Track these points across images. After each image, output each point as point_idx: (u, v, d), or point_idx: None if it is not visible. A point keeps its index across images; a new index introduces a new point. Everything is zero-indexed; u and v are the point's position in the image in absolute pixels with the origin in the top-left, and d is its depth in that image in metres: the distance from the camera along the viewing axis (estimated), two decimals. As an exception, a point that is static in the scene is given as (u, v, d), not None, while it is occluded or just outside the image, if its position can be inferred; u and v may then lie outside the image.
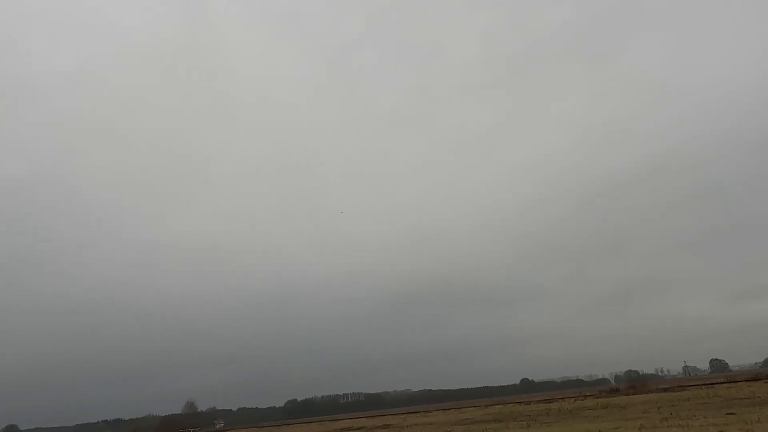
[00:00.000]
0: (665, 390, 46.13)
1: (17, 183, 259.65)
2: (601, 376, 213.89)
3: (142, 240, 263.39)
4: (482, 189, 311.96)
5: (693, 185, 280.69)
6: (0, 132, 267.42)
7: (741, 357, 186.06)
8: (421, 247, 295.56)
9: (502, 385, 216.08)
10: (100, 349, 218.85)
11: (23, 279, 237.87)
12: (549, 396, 76.15)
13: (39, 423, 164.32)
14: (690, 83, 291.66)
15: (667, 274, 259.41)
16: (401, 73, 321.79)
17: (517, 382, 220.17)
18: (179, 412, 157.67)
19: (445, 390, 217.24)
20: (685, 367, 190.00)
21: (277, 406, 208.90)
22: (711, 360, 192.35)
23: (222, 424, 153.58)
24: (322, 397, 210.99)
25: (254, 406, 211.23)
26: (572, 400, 48.47)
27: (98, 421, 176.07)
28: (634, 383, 64.15)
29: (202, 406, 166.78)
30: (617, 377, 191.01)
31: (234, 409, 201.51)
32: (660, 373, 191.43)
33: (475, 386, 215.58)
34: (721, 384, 44.62)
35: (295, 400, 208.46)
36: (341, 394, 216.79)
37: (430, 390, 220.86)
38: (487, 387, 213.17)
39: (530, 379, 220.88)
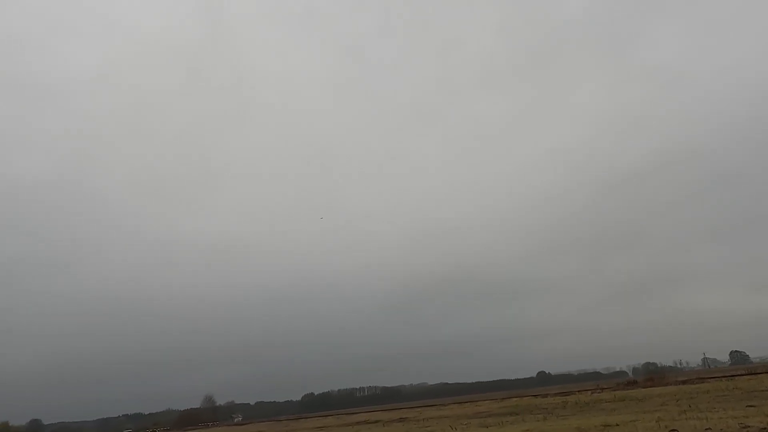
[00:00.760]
0: (684, 382, 45.66)
1: (41, 185, 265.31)
2: (618, 369, 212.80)
3: (161, 239, 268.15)
4: (499, 182, 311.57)
5: (711, 175, 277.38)
6: (24, 134, 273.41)
7: (762, 349, 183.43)
8: (438, 242, 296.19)
9: (519, 378, 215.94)
10: (121, 346, 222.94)
11: (47, 279, 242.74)
12: (566, 389, 75.80)
13: (62, 417, 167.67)
14: (707, 72, 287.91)
15: (685, 265, 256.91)
16: (418, 67, 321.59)
17: (534, 375, 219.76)
18: (198, 406, 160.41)
19: (461, 383, 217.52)
20: (705, 359, 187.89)
21: (294, 400, 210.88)
22: (731, 352, 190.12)
23: (240, 418, 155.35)
24: (339, 390, 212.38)
25: (272, 400, 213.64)
26: (589, 392, 48.20)
27: (119, 416, 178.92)
28: (653, 375, 63.62)
29: (220, 401, 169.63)
30: (635, 370, 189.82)
31: (252, 403, 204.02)
32: (678, 366, 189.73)
33: (491, 379, 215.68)
34: (741, 376, 44.04)
35: (312, 394, 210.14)
36: (358, 387, 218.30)
37: (446, 383, 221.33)
38: (503, 380, 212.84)
39: (547, 372, 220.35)
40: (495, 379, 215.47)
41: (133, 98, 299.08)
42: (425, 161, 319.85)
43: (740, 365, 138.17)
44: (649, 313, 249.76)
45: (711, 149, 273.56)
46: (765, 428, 13.61)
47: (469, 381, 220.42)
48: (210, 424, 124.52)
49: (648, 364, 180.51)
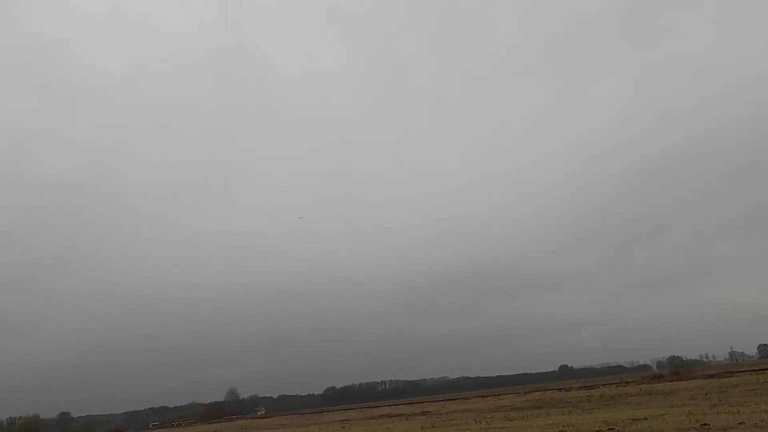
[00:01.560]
0: (712, 376, 44.91)
1: (75, 181, 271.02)
2: (642, 363, 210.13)
3: (187, 233, 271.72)
4: (522, 176, 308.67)
5: (738, 167, 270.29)
6: (58, 132, 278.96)
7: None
8: (461, 236, 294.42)
9: (540, 371, 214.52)
10: (147, 341, 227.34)
11: (78, 272, 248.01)
12: (589, 382, 75.07)
13: (90, 411, 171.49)
14: (735, 62, 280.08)
15: (711, 257, 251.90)
16: (441, 62, 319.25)
17: (556, 368, 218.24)
18: (222, 399, 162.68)
19: (482, 377, 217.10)
20: (732, 353, 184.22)
21: (317, 394, 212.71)
22: (759, 345, 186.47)
23: (263, 411, 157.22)
24: (360, 384, 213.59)
25: (294, 394, 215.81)
26: (614, 386, 47.69)
27: (145, 409, 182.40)
28: (679, 369, 62.64)
29: (243, 394, 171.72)
30: (659, 363, 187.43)
31: (275, 396, 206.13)
32: (705, 359, 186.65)
33: (512, 373, 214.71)
34: (771, 369, 43.16)
35: (333, 388, 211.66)
36: (379, 381, 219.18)
37: (467, 377, 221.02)
38: (524, 374, 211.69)
39: (569, 365, 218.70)
40: (516, 373, 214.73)
41: (159, 98, 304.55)
42: (447, 156, 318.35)
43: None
44: (674, 306, 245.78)
45: (738, 141, 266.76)
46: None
47: (491, 375, 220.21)
48: (234, 417, 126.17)
49: (673, 357, 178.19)
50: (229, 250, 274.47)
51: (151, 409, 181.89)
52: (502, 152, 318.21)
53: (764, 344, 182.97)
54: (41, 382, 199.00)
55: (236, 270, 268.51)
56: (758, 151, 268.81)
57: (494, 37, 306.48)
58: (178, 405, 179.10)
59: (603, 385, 54.37)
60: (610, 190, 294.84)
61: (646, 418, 18.35)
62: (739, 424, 14.30)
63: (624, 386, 45.23)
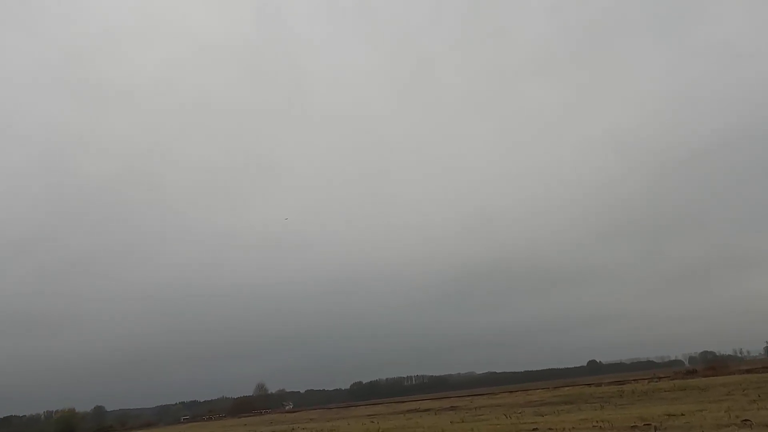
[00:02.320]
0: (749, 371, 43.77)
1: (111, 180, 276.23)
2: (673, 358, 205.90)
3: (219, 230, 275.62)
4: (551, 168, 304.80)
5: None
6: (96, 133, 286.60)
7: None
8: (489, 230, 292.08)
9: (569, 367, 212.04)
10: (179, 336, 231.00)
11: (113, 271, 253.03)
12: (620, 377, 73.89)
13: (123, 405, 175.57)
14: None
15: (746, 249, 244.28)
16: (470, 56, 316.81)
17: (584, 364, 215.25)
18: (251, 394, 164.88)
19: (509, 372, 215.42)
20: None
21: (343, 388, 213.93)
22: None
23: (291, 406, 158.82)
24: (387, 379, 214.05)
25: (321, 388, 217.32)
26: (646, 381, 46.85)
27: (176, 403, 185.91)
28: (713, 364, 61.22)
29: (272, 389, 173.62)
30: (692, 358, 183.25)
31: (302, 391, 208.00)
32: (739, 354, 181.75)
33: (540, 368, 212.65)
34: (811, 364, 41.83)
35: (360, 383, 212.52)
36: (405, 376, 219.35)
37: (494, 372, 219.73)
38: (552, 369, 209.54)
39: (598, 360, 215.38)
40: (544, 368, 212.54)
41: (194, 98, 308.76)
42: (475, 150, 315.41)
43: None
44: (706, 299, 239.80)
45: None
46: None
47: (518, 370, 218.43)
48: (262, 411, 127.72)
49: (706, 352, 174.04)
50: (261, 247, 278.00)
51: (182, 403, 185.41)
52: (530, 145, 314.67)
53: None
54: (77, 378, 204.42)
55: (267, 266, 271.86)
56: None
57: (522, 29, 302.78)
58: (208, 399, 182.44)
59: (634, 380, 53.47)
60: (640, 181, 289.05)
61: (682, 414, 17.93)
62: (783, 420, 13.87)
63: (656, 381, 44.38)
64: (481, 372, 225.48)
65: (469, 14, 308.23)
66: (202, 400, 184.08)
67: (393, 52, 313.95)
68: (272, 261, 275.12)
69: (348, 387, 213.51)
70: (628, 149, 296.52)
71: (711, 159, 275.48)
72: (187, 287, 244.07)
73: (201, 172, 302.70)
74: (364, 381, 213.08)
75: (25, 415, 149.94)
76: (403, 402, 76.30)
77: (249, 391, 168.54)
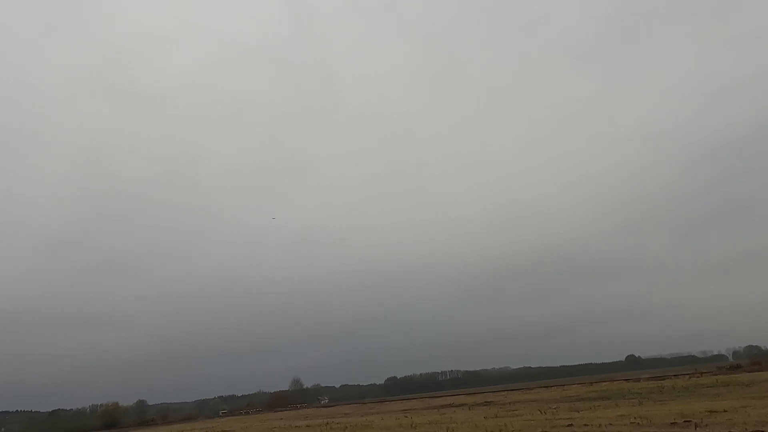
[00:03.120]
0: (796, 366, 42.13)
1: (148, 182, 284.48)
2: (716, 352, 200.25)
3: (254, 227, 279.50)
4: (586, 159, 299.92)
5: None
6: (132, 136, 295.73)
7: None
8: (521, 223, 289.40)
9: (606, 361, 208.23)
10: (217, 331, 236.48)
11: (153, 270, 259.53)
12: (659, 373, 72.18)
13: (164, 399, 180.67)
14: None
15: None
16: (500, 49, 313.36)
17: (622, 358, 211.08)
18: (287, 389, 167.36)
19: (545, 367, 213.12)
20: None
21: (378, 383, 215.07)
22: None
23: (326, 400, 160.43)
24: (421, 374, 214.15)
25: (356, 383, 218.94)
26: (686, 377, 45.62)
27: (215, 397, 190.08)
28: (759, 359, 59.19)
29: (307, 383, 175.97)
30: (736, 353, 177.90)
31: (337, 386, 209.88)
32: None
33: (577, 363, 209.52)
34: None
35: (394, 378, 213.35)
36: (439, 371, 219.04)
37: (529, 367, 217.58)
38: (589, 364, 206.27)
39: (636, 355, 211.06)
40: (581, 363, 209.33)
41: (226, 101, 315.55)
42: (508, 143, 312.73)
43: None
44: (750, 292, 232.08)
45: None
46: None
47: (554, 365, 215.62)
48: (298, 405, 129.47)
49: (750, 347, 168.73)
50: (295, 244, 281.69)
51: (220, 397, 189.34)
52: (561, 137, 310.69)
53: None
54: (120, 373, 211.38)
55: (301, 263, 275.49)
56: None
57: (551, 21, 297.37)
58: (245, 394, 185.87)
59: (675, 375, 52.16)
60: (679, 170, 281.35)
61: (725, 410, 17.39)
62: (833, 417, 13.30)
63: (698, 377, 43.16)
64: (515, 367, 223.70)
65: (496, 8, 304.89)
66: (239, 395, 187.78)
67: (421, 48, 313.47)
68: (306, 257, 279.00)
69: (382, 382, 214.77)
70: (666, 138, 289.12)
71: (752, 147, 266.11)
72: (223, 284, 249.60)
73: (235, 172, 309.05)
74: (398, 376, 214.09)
75: (72, 409, 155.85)
76: (437, 397, 76.22)
77: (285, 385, 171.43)
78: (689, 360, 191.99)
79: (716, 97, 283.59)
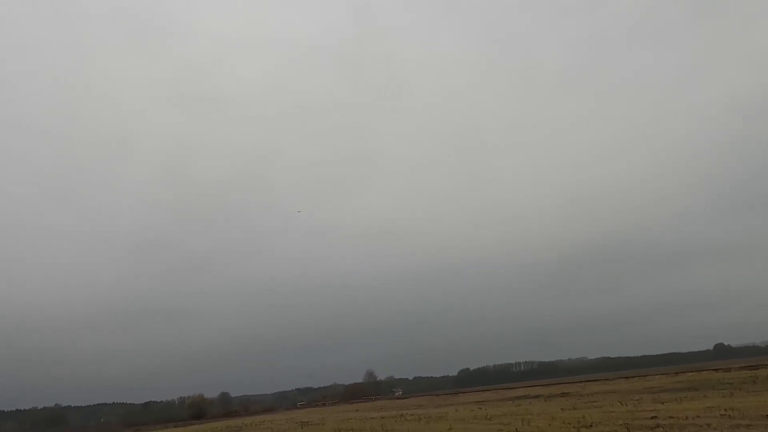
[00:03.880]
0: None
1: (224, 184, 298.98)
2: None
3: (325, 223, 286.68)
4: (662, 138, 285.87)
5: None
6: (208, 141, 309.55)
7: None
8: (594, 206, 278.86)
9: (692, 351, 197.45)
10: (294, 326, 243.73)
11: (232, 266, 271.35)
12: (753, 362, 67.75)
13: (246, 391, 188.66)
14: None
15: None
16: (565, 30, 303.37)
17: (710, 347, 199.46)
18: (360, 381, 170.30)
19: (625, 357, 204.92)
20: None
21: (451, 375, 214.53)
22: None
23: (400, 392, 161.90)
24: (494, 366, 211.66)
25: (429, 375, 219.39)
26: (784, 366, 42.57)
27: (292, 390, 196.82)
28: None
29: (380, 376, 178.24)
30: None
31: (410, 378, 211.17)
32: None
33: (659, 353, 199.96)
34: None
35: (467, 369, 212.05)
36: (513, 363, 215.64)
37: (608, 357, 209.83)
38: (673, 353, 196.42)
39: (726, 344, 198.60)
40: (664, 352, 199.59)
41: (295, 102, 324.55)
42: (577, 126, 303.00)
43: None
44: None
45: None
46: None
47: (634, 355, 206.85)
48: (373, 397, 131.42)
49: None
50: (366, 236, 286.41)
51: (298, 389, 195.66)
52: (641, 116, 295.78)
53: None
54: (205, 366, 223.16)
55: (373, 255, 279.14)
56: None
57: None
58: (322, 386, 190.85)
59: (770, 364, 48.82)
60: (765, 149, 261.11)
61: (828, 402, 16.14)
62: None
63: (796, 366, 40.18)
64: (593, 357, 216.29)
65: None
66: (315, 387, 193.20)
67: (482, 32, 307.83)
68: (378, 249, 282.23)
69: (455, 374, 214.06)
70: (753, 114, 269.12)
71: None
72: (298, 279, 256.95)
73: (305, 169, 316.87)
74: (471, 368, 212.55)
75: (162, 401, 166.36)
76: (512, 388, 75.18)
77: (359, 378, 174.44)
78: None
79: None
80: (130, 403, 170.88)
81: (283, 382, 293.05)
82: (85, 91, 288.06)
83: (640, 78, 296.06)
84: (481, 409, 33.96)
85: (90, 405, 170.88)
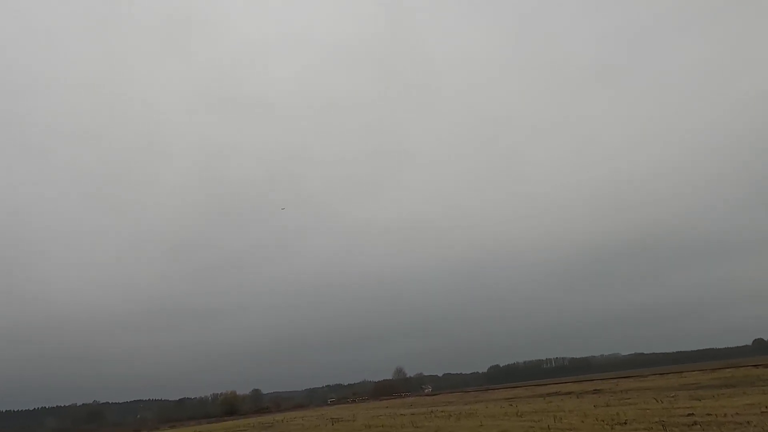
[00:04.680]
0: None
1: (256, 183, 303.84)
2: None
3: (356, 221, 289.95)
4: (703, 128, 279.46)
5: None
6: (241, 142, 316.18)
7: None
8: (628, 201, 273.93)
9: (730, 346, 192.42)
10: (324, 323, 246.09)
11: (263, 264, 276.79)
12: (794, 358, 65.58)
13: (277, 387, 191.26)
14: None
15: None
16: (597, 23, 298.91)
17: (749, 342, 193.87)
18: (390, 377, 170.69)
19: (659, 353, 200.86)
20: None
21: (480, 372, 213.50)
22: None
23: (430, 389, 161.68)
24: (525, 362, 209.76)
25: (458, 372, 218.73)
26: (828, 362, 41.11)
27: (323, 386, 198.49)
28: None
29: (409, 372, 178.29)
30: None
31: (439, 374, 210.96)
32: None
33: (695, 348, 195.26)
34: None
35: (497, 366, 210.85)
36: (544, 359, 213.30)
37: (642, 353, 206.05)
38: (710, 349, 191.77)
39: (766, 339, 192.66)
40: (700, 348, 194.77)
41: (325, 101, 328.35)
42: (610, 120, 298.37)
43: None
44: None
45: None
46: None
47: (669, 351, 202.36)
48: (402, 394, 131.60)
49: None
50: (396, 232, 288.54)
51: (328, 386, 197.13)
52: (677, 105, 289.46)
53: None
54: (237, 363, 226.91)
55: (402, 251, 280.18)
56: None
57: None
58: (351, 383, 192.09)
59: (812, 360, 47.20)
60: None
61: None
62: None
63: (841, 362, 38.75)
64: (626, 353, 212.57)
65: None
66: (345, 384, 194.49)
67: (515, 27, 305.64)
68: (407, 245, 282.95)
69: (485, 370, 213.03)
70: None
71: None
72: (328, 276, 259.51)
73: (336, 166, 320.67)
74: (501, 364, 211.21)
75: (195, 397, 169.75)
76: (543, 385, 74.37)
77: (388, 374, 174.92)
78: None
79: None
80: (165, 400, 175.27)
81: (312, 378, 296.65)
82: (122, 97, 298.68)
83: (673, 67, 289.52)
84: (511, 405, 33.68)
85: (127, 401, 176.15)
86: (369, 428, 27.33)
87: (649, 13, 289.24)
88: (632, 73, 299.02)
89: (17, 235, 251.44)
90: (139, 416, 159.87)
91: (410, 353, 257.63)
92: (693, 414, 17.54)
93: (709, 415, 16.86)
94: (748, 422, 14.45)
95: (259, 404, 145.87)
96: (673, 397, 26.30)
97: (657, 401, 24.52)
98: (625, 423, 17.29)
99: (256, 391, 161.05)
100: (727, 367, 55.29)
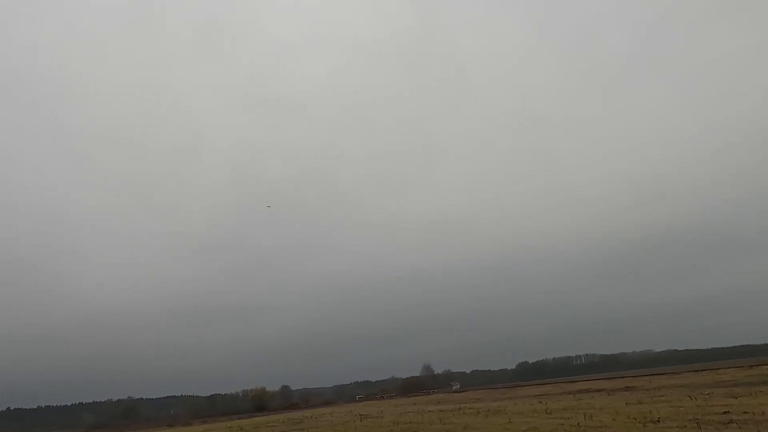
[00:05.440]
0: None
1: (290, 182, 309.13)
2: None
3: (386, 217, 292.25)
4: (738, 116, 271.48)
5: None
6: (274, 140, 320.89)
7: None
8: (662, 195, 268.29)
9: (767, 343, 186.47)
10: (352, 319, 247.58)
11: (295, 262, 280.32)
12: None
13: (306, 384, 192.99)
14: None
15: None
16: (633, 11, 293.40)
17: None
18: (418, 374, 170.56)
19: (693, 350, 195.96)
20: None
21: (509, 368, 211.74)
22: None
23: (458, 386, 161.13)
24: (554, 359, 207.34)
25: (486, 369, 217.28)
26: None
27: (351, 383, 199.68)
28: None
29: (438, 369, 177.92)
30: None
31: (467, 371, 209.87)
32: None
33: (732, 345, 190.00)
34: None
35: (526, 362, 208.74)
36: (574, 356, 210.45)
37: (675, 350, 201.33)
38: (747, 345, 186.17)
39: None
40: (737, 344, 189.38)
41: (357, 100, 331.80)
42: (650, 111, 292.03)
43: None
44: None
45: None
46: None
47: (704, 347, 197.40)
48: (430, 390, 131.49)
49: None
50: (426, 228, 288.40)
51: (356, 383, 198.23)
52: (713, 97, 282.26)
53: None
54: (267, 360, 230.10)
55: (433, 247, 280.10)
56: None
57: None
58: (379, 379, 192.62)
59: None
60: None
61: None
62: None
63: None
64: (659, 350, 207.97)
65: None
66: (373, 380, 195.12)
67: (545, 18, 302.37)
68: (437, 241, 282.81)
69: (513, 367, 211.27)
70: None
71: None
72: (358, 273, 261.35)
73: (366, 163, 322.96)
74: (530, 361, 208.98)
75: (226, 393, 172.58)
76: (573, 382, 73.43)
77: (416, 371, 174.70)
78: None
79: None
80: (196, 396, 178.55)
81: (341, 375, 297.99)
82: (157, 100, 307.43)
83: (709, 57, 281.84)
84: (540, 402, 33.36)
85: (160, 398, 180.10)
86: (397, 425, 27.39)
87: (685, 3, 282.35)
88: (666, 65, 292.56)
89: (58, 238, 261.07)
90: (171, 412, 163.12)
91: (438, 350, 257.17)
92: (729, 412, 17.11)
93: (745, 413, 16.43)
94: (787, 421, 14.05)
95: (288, 400, 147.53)
96: (707, 394, 25.70)
97: (691, 399, 24.00)
98: (658, 421, 16.96)
99: (285, 388, 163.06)
100: (765, 364, 53.73)
